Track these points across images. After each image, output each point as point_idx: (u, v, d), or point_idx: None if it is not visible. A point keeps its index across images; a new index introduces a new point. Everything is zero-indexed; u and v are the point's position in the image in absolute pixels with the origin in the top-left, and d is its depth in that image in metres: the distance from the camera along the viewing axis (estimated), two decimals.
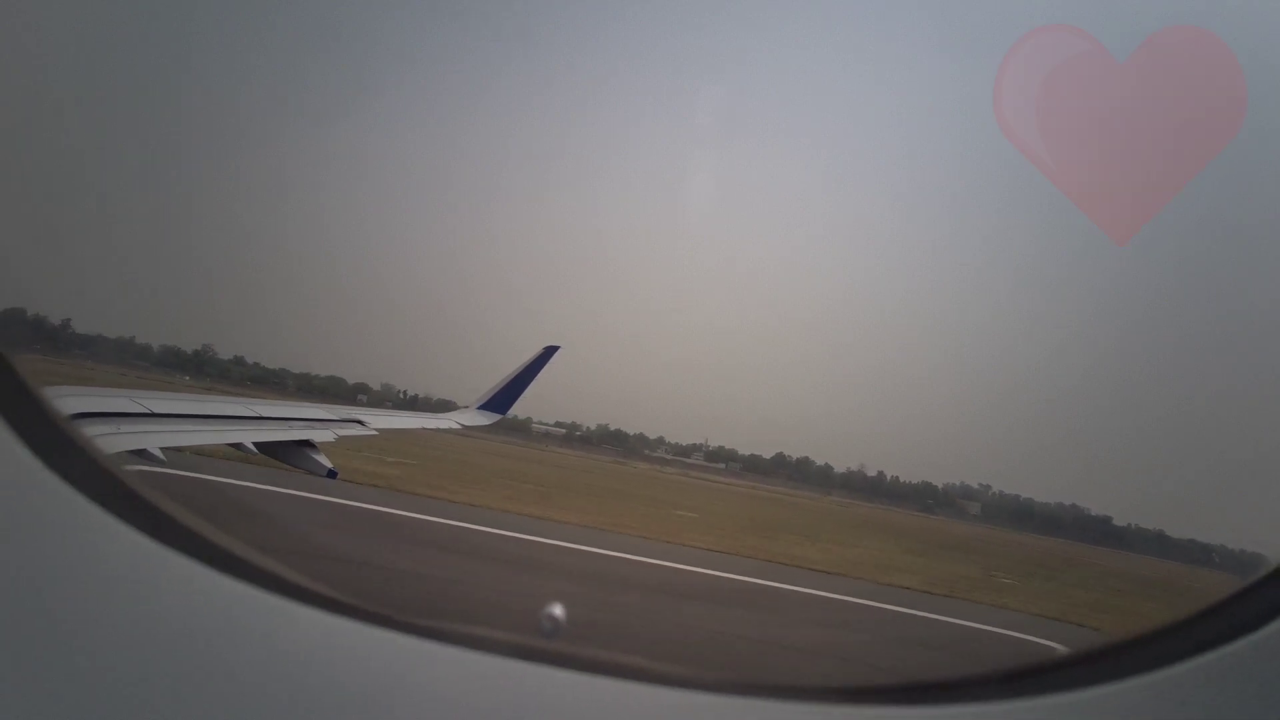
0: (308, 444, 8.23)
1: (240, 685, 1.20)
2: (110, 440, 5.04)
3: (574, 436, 42.26)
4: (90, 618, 1.22)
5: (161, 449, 5.58)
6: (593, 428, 43.16)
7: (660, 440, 43.07)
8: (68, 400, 5.00)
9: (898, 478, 40.39)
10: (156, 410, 5.95)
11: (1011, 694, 1.27)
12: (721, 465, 42.74)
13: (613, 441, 42.82)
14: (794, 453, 42.17)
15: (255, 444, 7.41)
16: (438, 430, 11.06)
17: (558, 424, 42.35)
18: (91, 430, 4.93)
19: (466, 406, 11.69)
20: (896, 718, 1.31)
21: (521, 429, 38.89)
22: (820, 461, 41.82)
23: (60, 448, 1.38)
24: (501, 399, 11.87)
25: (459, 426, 10.94)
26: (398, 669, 1.25)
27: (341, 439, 8.91)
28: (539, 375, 12.00)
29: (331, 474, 8.28)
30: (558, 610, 1.82)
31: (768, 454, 42.60)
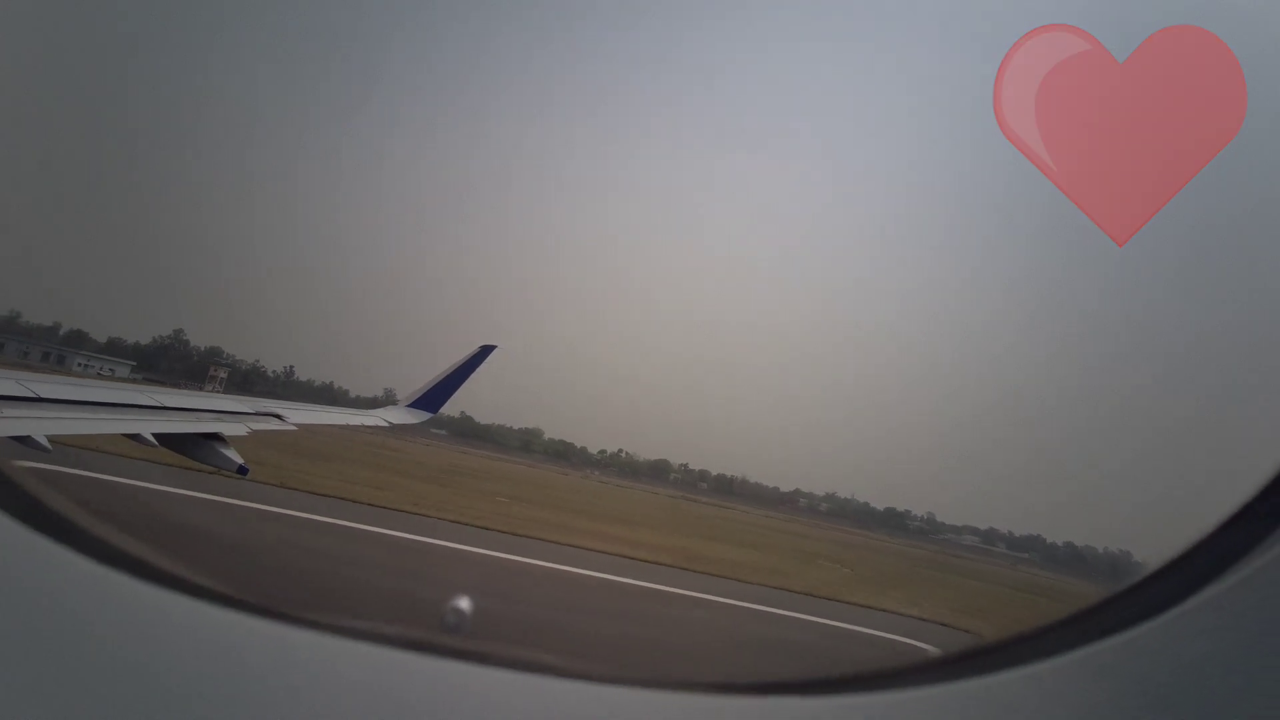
0: (217, 438, 7.55)
1: (111, 675, 1.10)
2: None
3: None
4: None
5: (47, 437, 4.88)
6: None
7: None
8: None
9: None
10: (44, 395, 5.22)
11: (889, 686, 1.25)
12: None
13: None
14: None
15: (157, 436, 6.68)
16: (363, 427, 10.39)
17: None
18: None
19: (396, 403, 11.04)
20: (787, 709, 1.28)
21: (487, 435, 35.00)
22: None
23: None
24: (433, 397, 11.31)
25: (387, 424, 10.29)
26: (283, 661, 1.17)
27: (256, 433, 8.20)
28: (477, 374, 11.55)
29: (242, 471, 7.64)
30: (464, 604, 1.80)
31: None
